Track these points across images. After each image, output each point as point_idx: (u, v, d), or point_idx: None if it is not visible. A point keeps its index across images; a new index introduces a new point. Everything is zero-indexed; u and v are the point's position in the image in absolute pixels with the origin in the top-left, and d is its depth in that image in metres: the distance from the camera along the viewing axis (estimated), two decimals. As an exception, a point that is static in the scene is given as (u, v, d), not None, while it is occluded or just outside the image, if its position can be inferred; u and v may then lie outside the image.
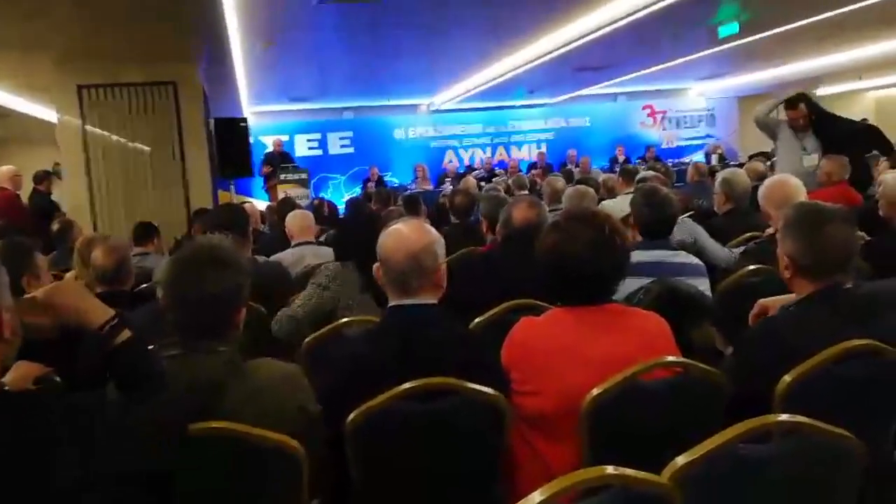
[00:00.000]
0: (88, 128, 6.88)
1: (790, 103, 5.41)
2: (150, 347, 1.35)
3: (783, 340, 1.72)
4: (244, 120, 8.70)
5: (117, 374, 1.25)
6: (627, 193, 5.30)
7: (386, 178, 12.47)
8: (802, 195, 2.97)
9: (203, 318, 1.55)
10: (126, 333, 1.26)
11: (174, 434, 1.31)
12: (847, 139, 5.28)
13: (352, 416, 1.61)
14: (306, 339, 2.35)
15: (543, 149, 13.94)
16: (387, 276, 1.81)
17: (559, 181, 5.56)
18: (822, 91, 14.93)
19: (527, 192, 7.15)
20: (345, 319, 2.40)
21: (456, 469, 1.71)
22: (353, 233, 2.98)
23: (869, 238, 3.11)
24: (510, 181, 8.00)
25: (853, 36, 9.26)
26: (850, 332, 1.66)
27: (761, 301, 2.04)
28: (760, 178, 5.22)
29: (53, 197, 7.69)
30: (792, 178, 3.13)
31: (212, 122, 8.05)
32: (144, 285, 3.23)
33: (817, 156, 5.19)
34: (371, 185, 11.34)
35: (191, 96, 7.12)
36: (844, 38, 9.42)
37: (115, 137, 6.96)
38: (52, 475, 1.07)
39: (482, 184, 9.43)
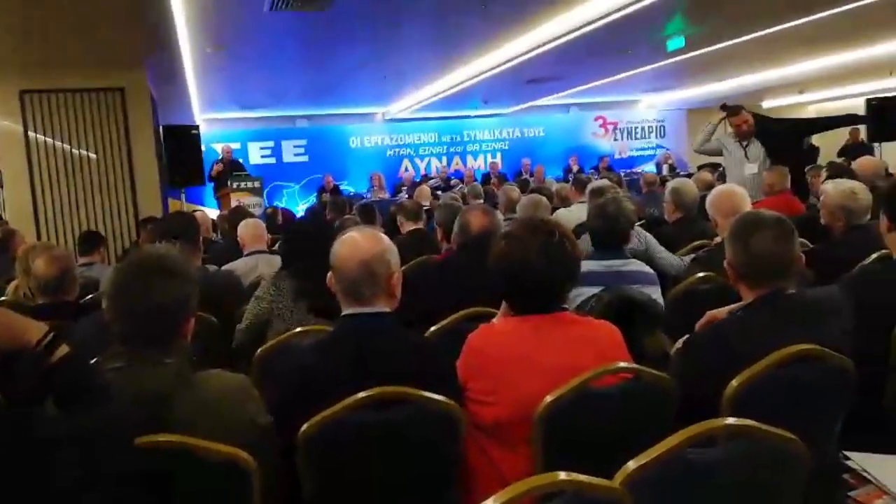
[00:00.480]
0: (31, 134, 6.67)
1: (732, 111, 5.57)
2: (92, 361, 1.31)
3: (729, 345, 1.77)
4: (196, 127, 8.53)
5: (56, 391, 1.20)
6: (581, 203, 5.40)
7: (342, 187, 12.39)
8: (747, 204, 3.06)
9: (150, 329, 1.51)
10: (64, 348, 1.22)
11: (117, 447, 1.26)
12: (786, 141, 5.47)
13: (304, 427, 1.59)
14: (257, 352, 2.32)
15: (498, 158, 14.07)
16: (339, 284, 1.80)
17: (514, 191, 5.61)
18: (765, 104, 15.48)
19: (482, 201, 7.20)
20: (298, 329, 2.37)
21: (410, 478, 1.70)
22: (298, 240, 2.93)
23: (812, 246, 3.23)
24: (466, 190, 8.04)
25: (794, 52, 9.61)
26: (794, 336, 1.71)
27: (710, 312, 2.08)
28: (708, 187, 5.36)
29: (-6, 206, 7.44)
30: (737, 188, 3.22)
31: (161, 129, 7.89)
32: (90, 296, 3.14)
33: (757, 164, 5.37)
34: (326, 194, 11.25)
35: (139, 103, 6.98)
36: (786, 54, 9.77)
37: (59, 144, 6.76)
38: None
39: (438, 192, 9.46)
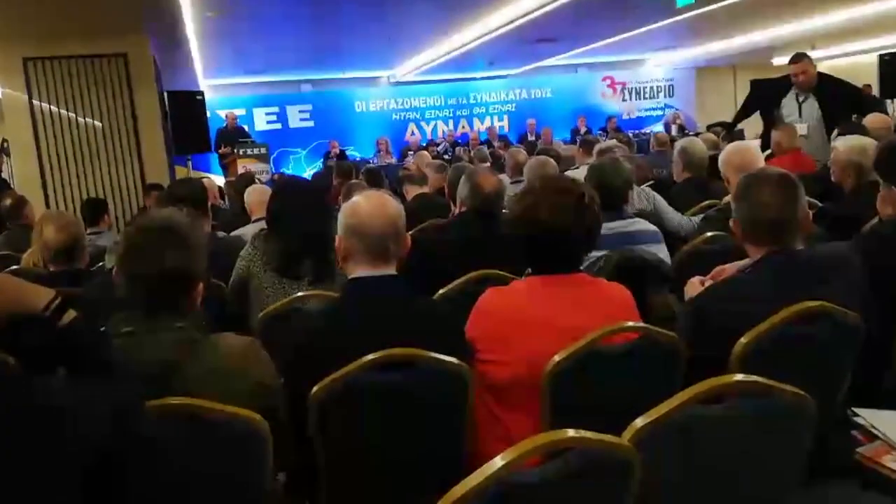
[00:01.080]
0: (36, 102, 6.64)
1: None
2: (101, 328, 1.31)
3: (736, 304, 1.76)
4: (200, 93, 8.47)
5: (65, 357, 1.21)
6: (588, 164, 5.35)
7: (348, 152, 12.33)
8: (760, 161, 3.03)
9: (159, 294, 1.51)
10: (71, 314, 1.22)
11: (129, 412, 1.27)
12: (845, 103, 5.17)
13: (315, 388, 1.61)
14: (260, 315, 2.32)
15: (505, 121, 13.94)
16: (362, 243, 1.77)
17: (521, 153, 5.57)
18: (776, 61, 15.20)
19: (489, 164, 7.16)
20: (300, 294, 2.37)
21: (420, 439, 1.72)
22: (281, 199, 2.81)
23: (822, 204, 3.20)
24: (472, 152, 7.99)
25: (805, 7, 9.40)
26: (801, 294, 1.71)
27: (719, 267, 2.09)
28: (714, 147, 5.31)
29: (3, 174, 7.44)
30: (751, 145, 3.18)
31: (166, 95, 7.83)
32: (101, 264, 3.15)
33: (807, 126, 5.10)
34: (333, 159, 11.20)
35: (143, 69, 6.92)
36: (797, 9, 9.56)
37: (64, 112, 6.73)
38: None
39: (446, 156, 9.41)
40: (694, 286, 2.05)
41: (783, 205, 1.81)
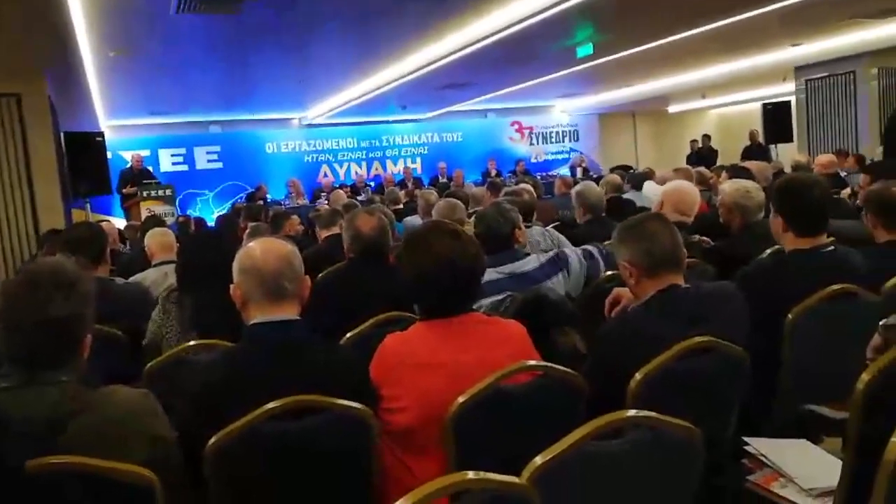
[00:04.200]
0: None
1: None
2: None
3: (631, 341, 1.84)
4: (100, 134, 8.18)
5: None
6: (496, 206, 5.48)
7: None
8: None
9: (42, 346, 1.43)
10: None
11: (8, 475, 1.19)
12: None
13: (214, 438, 1.55)
14: (146, 367, 2.23)
15: (418, 163, 14.12)
16: (255, 286, 1.74)
17: (432, 194, 5.67)
18: (672, 108, 16.17)
19: (401, 206, 7.21)
20: (192, 343, 2.29)
21: (325, 488, 1.68)
22: (192, 257, 2.73)
23: (712, 243, 3.39)
24: (385, 193, 8.04)
25: (696, 58, 10.09)
26: (690, 329, 1.80)
27: (616, 289, 2.24)
28: (616, 189, 5.55)
29: None
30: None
31: (63, 136, 7.51)
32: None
33: None
34: (260, 201, 10.84)
35: (37, 109, 6.61)
36: (689, 61, 10.24)
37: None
38: None
39: (359, 198, 9.39)
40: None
41: (672, 239, 1.94)
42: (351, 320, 2.38)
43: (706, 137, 13.70)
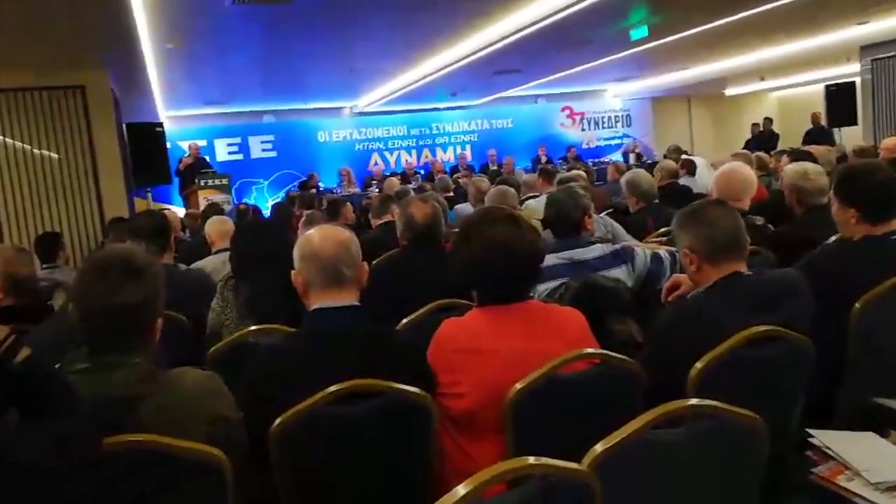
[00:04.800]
0: (-10, 135, 6.53)
1: None
2: (55, 365, 1.28)
3: (692, 329, 1.81)
4: (160, 125, 8.39)
5: (17, 396, 1.18)
6: (549, 192, 5.44)
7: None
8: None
9: (114, 330, 1.48)
10: (25, 351, 1.20)
11: (82, 452, 1.24)
12: None
13: (278, 420, 1.59)
14: (210, 350, 2.29)
15: (468, 150, 14.08)
16: (315, 272, 1.79)
17: (483, 182, 5.65)
18: (729, 91, 15.68)
19: (451, 193, 7.23)
20: (253, 328, 2.35)
21: (384, 471, 1.71)
22: (247, 245, 2.75)
23: (774, 229, 3.29)
24: (435, 182, 8.06)
25: (755, 39, 9.77)
26: (753, 317, 1.76)
27: (676, 275, 2.21)
28: (672, 175, 5.44)
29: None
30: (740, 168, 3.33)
31: (125, 127, 7.76)
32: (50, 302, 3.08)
33: None
34: (313, 190, 11.04)
35: (101, 101, 6.86)
36: (747, 42, 9.92)
37: (19, 144, 6.62)
38: None
39: (411, 185, 9.44)
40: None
41: (733, 224, 1.91)
42: (404, 307, 2.41)
43: (768, 121, 13.26)
